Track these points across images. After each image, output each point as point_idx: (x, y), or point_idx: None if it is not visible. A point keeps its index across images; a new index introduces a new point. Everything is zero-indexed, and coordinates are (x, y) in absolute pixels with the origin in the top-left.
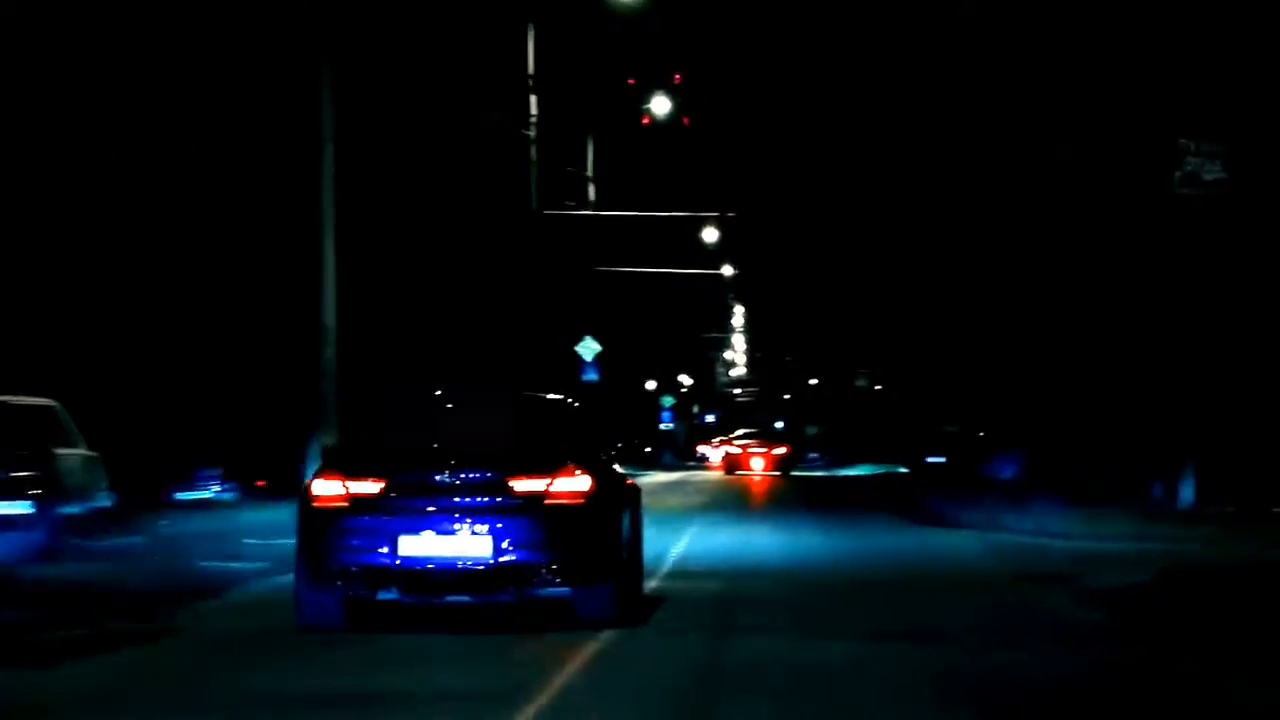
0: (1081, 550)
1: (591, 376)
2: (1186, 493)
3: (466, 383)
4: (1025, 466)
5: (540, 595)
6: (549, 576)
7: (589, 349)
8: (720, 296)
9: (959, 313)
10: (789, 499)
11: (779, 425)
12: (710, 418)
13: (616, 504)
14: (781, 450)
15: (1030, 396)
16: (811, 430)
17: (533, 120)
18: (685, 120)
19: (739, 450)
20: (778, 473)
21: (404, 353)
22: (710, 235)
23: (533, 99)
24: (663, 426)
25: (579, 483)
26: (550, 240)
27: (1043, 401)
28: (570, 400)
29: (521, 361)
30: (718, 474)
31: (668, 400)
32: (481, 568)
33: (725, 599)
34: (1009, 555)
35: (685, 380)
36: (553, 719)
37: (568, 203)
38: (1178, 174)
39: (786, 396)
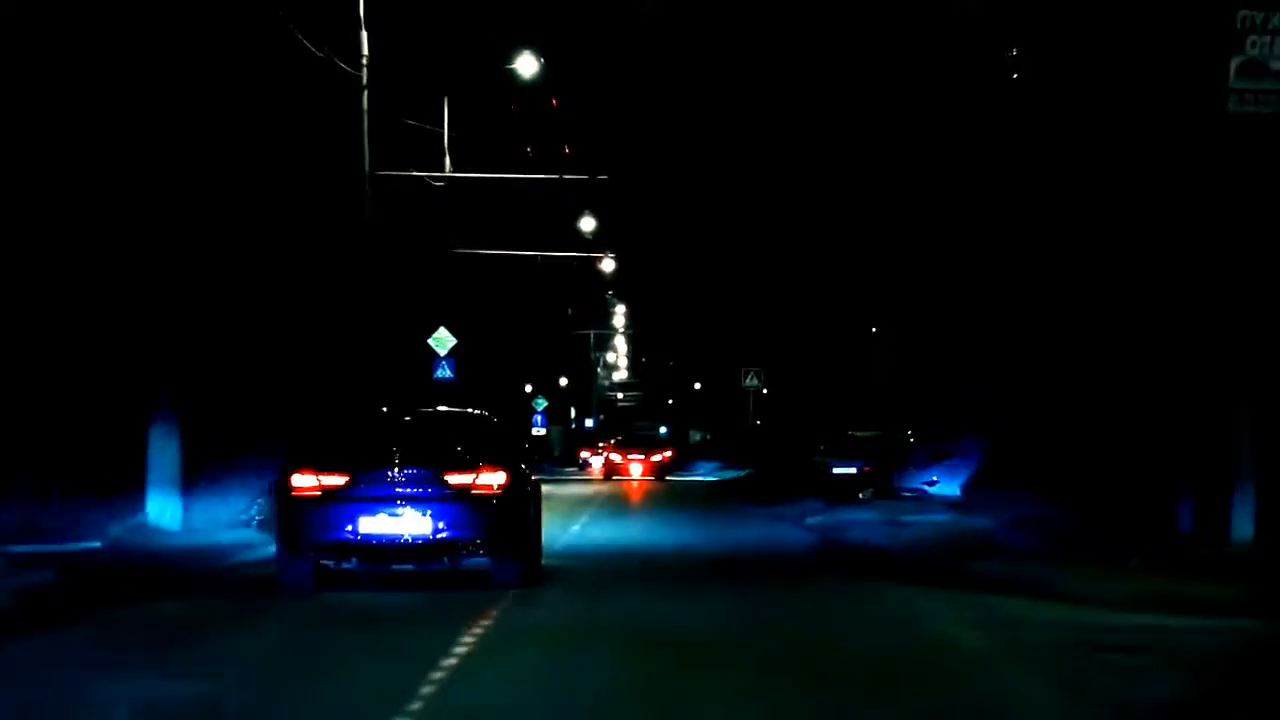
0: (1072, 625)
1: (445, 374)
2: (1242, 524)
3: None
4: (977, 481)
5: (466, 564)
6: (474, 549)
7: (442, 342)
8: (599, 292)
9: (877, 292)
10: (661, 501)
11: (663, 431)
12: (590, 422)
13: (524, 496)
14: (659, 457)
15: (987, 384)
16: (696, 436)
17: (363, 61)
18: (554, 101)
19: (619, 457)
20: (653, 478)
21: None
22: (588, 224)
23: (364, 35)
24: (535, 431)
25: (496, 478)
26: (391, 212)
27: (1005, 388)
28: (491, 415)
29: (356, 356)
30: (597, 479)
31: (540, 403)
32: (422, 542)
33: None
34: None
35: (562, 382)
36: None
37: (416, 172)
38: (1236, 61)
39: (670, 401)
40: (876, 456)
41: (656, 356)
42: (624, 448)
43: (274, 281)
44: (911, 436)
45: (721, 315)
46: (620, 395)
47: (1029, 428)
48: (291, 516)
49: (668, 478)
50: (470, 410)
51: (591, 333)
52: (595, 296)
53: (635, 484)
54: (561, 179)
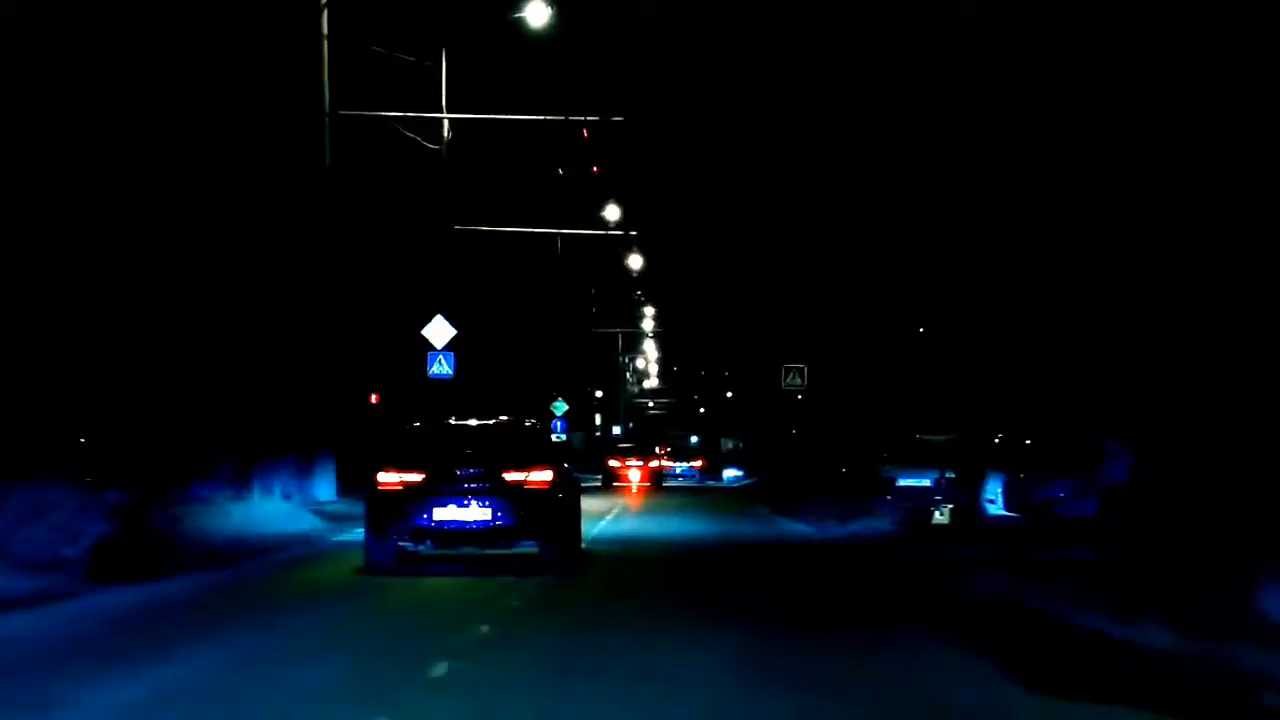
0: None
1: (442, 371)
2: None
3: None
4: (1124, 498)
5: (518, 548)
6: (526, 534)
7: (440, 332)
8: (626, 290)
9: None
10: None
11: (694, 440)
12: (617, 429)
13: (567, 491)
14: (655, 464)
15: (1128, 381)
16: (729, 444)
17: None
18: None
19: (618, 463)
20: (650, 483)
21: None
22: (612, 213)
23: None
24: (556, 437)
25: (545, 475)
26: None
27: (1154, 385)
28: (538, 425)
29: (329, 347)
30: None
31: (560, 406)
32: (484, 527)
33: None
34: None
35: (597, 394)
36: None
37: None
38: None
39: (702, 410)
40: (956, 465)
41: (687, 362)
42: (626, 454)
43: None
44: (1031, 442)
45: (757, 314)
46: (651, 403)
47: (1195, 431)
48: (379, 507)
49: (708, 483)
50: (522, 420)
51: (619, 332)
52: (622, 294)
53: (634, 490)
54: (567, 120)
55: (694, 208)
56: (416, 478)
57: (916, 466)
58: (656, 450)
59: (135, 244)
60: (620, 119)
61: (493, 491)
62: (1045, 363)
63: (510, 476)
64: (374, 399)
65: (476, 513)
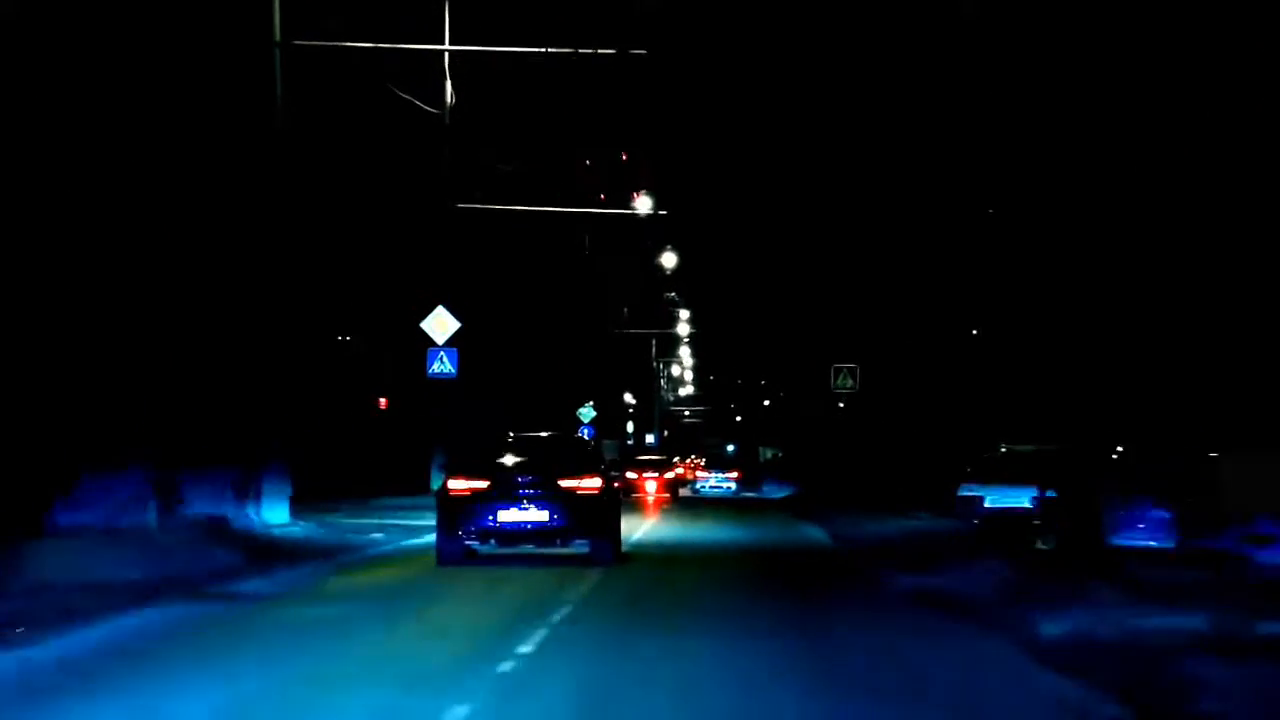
0: None
1: (444, 369)
2: None
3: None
4: None
5: (572, 546)
6: (578, 534)
7: (441, 325)
8: (659, 288)
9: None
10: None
11: (730, 449)
12: (651, 438)
13: (612, 496)
14: (671, 475)
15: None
16: (767, 453)
17: None
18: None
19: (634, 474)
20: (667, 494)
21: None
22: (643, 204)
23: None
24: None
25: (594, 482)
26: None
27: None
28: (587, 439)
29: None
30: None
31: (586, 413)
32: (541, 528)
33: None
34: None
35: (628, 399)
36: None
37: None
38: None
39: (739, 418)
40: (1060, 482)
41: (724, 368)
42: (644, 467)
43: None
44: (1122, 451)
45: (800, 313)
46: (687, 412)
47: None
48: (449, 510)
49: (745, 494)
50: (574, 435)
51: (652, 333)
52: (654, 294)
53: (651, 500)
54: (577, 54)
55: (730, 201)
56: (482, 484)
57: (1008, 483)
58: (675, 461)
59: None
60: (642, 52)
61: (548, 496)
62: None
63: (564, 483)
64: (383, 403)
65: (535, 515)
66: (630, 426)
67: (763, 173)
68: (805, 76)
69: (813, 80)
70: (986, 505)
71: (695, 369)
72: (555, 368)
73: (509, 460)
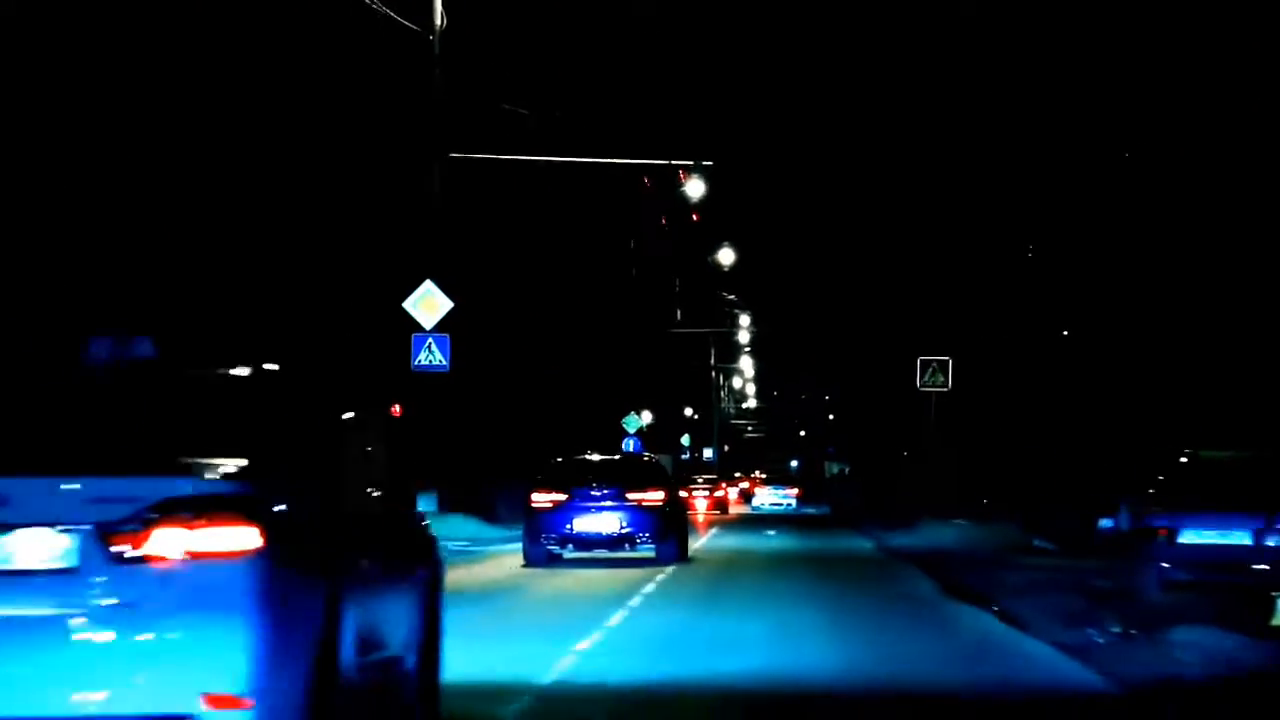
0: None
1: (434, 361)
2: None
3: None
4: None
5: (640, 550)
6: (645, 539)
7: (429, 306)
8: (713, 283)
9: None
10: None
11: (793, 464)
12: (709, 452)
13: (676, 506)
14: (721, 493)
15: None
16: (834, 468)
17: None
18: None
19: (684, 493)
20: (717, 512)
21: None
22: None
23: None
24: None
25: (659, 495)
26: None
27: None
28: (655, 458)
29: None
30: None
31: (632, 422)
32: (613, 535)
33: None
34: None
35: (688, 413)
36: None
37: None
38: None
39: (803, 433)
40: None
41: (788, 379)
42: (693, 483)
43: None
44: None
45: (870, 316)
46: (750, 426)
47: None
48: (534, 520)
49: (807, 510)
50: (641, 454)
51: (709, 332)
52: (710, 295)
53: (701, 517)
54: None
55: (792, 189)
56: (561, 497)
57: (1217, 508)
58: (722, 480)
59: None
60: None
61: (619, 506)
62: None
63: (632, 495)
64: (396, 410)
65: (608, 523)
66: (686, 440)
67: (830, 160)
68: (890, 60)
69: (896, 64)
70: (1186, 542)
71: (757, 379)
72: (595, 370)
73: (584, 475)
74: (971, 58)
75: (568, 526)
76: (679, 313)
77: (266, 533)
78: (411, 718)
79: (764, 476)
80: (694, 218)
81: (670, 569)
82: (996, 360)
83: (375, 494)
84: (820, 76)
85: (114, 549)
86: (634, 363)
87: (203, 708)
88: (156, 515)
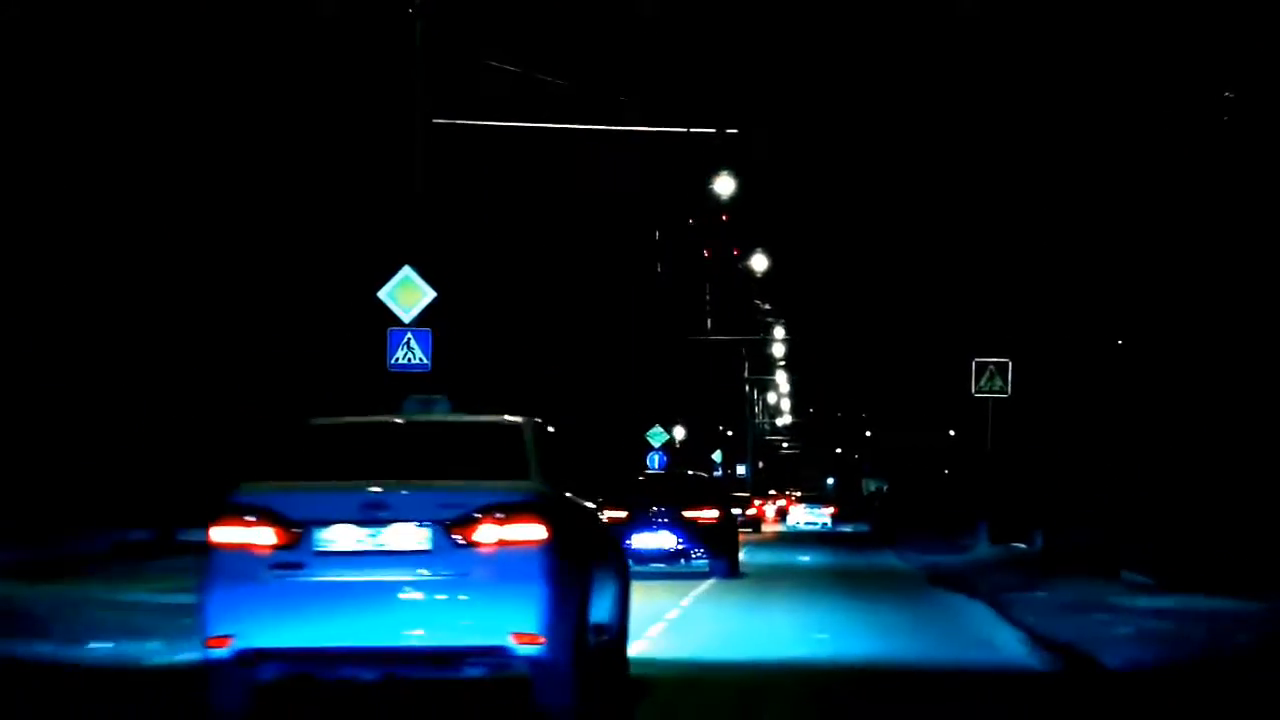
0: None
1: (413, 360)
2: None
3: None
4: None
5: (694, 565)
6: (698, 555)
7: (407, 296)
8: (745, 286)
9: None
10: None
11: (829, 482)
12: (742, 469)
13: (729, 523)
14: (754, 511)
15: None
16: (871, 485)
17: None
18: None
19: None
20: (749, 530)
21: None
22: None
23: None
24: (650, 473)
25: (712, 513)
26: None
27: None
28: (711, 476)
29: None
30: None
31: (658, 435)
32: (669, 550)
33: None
34: None
35: (728, 433)
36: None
37: None
38: None
39: (838, 450)
40: None
41: (823, 396)
42: None
43: None
44: None
45: (910, 329)
46: (785, 443)
47: None
48: None
49: (843, 528)
50: (699, 473)
51: (740, 340)
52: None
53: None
54: None
55: (823, 192)
56: (620, 514)
57: None
58: (754, 498)
59: None
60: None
61: (675, 523)
62: None
63: (687, 514)
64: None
65: (665, 539)
66: (718, 456)
67: (867, 158)
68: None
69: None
70: None
71: (792, 395)
72: (612, 377)
73: (644, 494)
74: (1028, 54)
75: (626, 542)
76: (709, 322)
77: (550, 528)
78: (614, 670)
79: (799, 494)
80: (723, 218)
81: (722, 579)
82: (1053, 367)
83: (589, 504)
84: (862, 71)
85: (453, 537)
86: (660, 372)
87: (511, 641)
88: (480, 515)
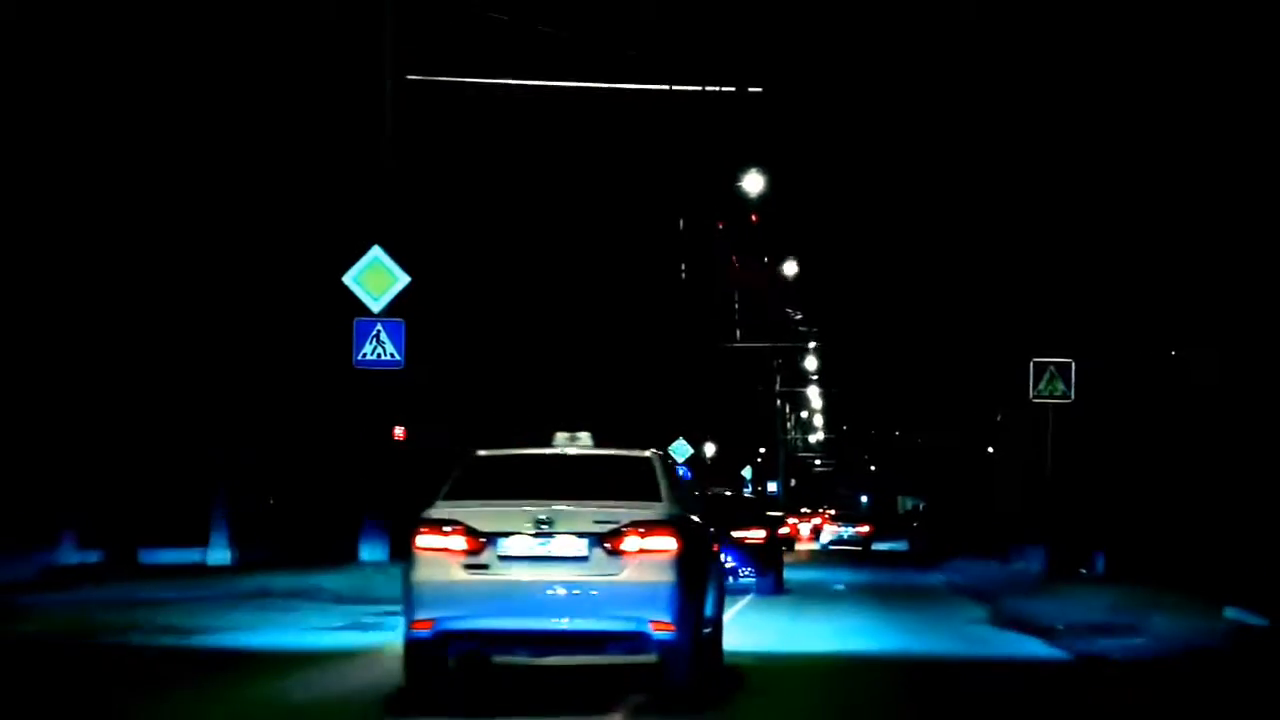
0: None
1: (385, 356)
2: None
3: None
4: None
5: (741, 582)
6: (747, 572)
7: (376, 280)
8: (779, 289)
9: None
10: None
11: (864, 499)
12: (773, 486)
13: (775, 543)
14: (787, 530)
15: None
16: (908, 503)
17: None
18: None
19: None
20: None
21: None
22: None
23: None
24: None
25: (760, 533)
26: None
27: None
28: (755, 496)
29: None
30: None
31: (680, 450)
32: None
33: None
34: None
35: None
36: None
37: None
38: None
39: (873, 468)
40: None
41: (857, 412)
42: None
43: None
44: None
45: (948, 338)
46: (818, 460)
47: None
48: None
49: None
50: (747, 495)
51: (770, 348)
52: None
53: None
54: None
55: (855, 198)
56: None
57: None
58: (786, 517)
59: None
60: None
61: (727, 543)
62: None
63: (736, 534)
64: (400, 434)
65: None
66: (748, 473)
67: (901, 166)
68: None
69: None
70: None
71: (825, 411)
72: (636, 386)
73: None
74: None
75: None
76: (738, 332)
77: (680, 540)
78: (713, 659)
79: (833, 513)
80: (753, 219)
81: (769, 591)
82: (1110, 375)
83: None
84: (896, 69)
85: (605, 546)
86: (684, 382)
87: (650, 628)
88: (627, 529)
